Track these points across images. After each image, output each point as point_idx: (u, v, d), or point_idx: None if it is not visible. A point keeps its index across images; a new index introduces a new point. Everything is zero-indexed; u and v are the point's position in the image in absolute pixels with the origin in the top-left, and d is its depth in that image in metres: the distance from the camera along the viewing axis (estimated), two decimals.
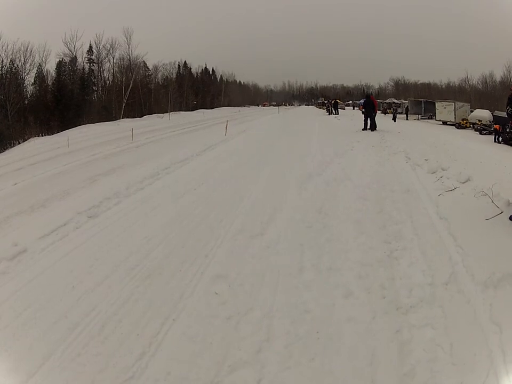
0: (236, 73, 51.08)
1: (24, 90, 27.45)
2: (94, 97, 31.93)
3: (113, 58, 32.62)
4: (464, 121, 20.31)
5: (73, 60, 30.42)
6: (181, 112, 33.97)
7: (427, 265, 2.79)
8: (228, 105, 44.58)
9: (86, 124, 25.12)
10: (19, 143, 21.50)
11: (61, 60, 29.64)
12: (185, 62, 42.14)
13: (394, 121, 19.27)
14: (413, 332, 2.14)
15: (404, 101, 33.75)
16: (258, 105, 51.80)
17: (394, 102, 34.39)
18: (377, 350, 2.05)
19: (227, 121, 14.38)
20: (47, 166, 9.74)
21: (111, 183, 6.22)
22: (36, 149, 15.31)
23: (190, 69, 43.19)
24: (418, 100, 29.56)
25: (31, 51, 27.70)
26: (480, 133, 17.33)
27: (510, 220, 3.24)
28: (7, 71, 26.35)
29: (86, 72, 31.50)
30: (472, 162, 5.90)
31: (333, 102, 25.37)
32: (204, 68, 46.25)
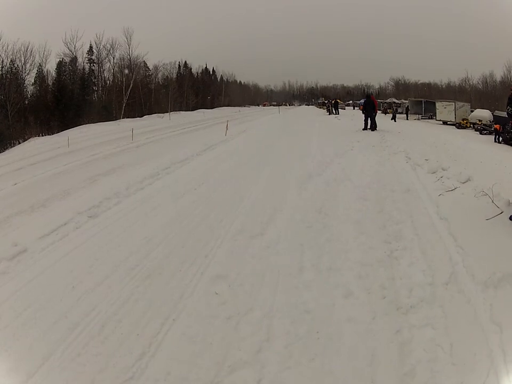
0: (236, 73, 51.00)
1: (25, 90, 27.44)
2: (94, 97, 31.93)
3: (113, 58, 32.62)
4: (465, 121, 20.29)
5: (74, 60, 30.42)
6: (181, 112, 33.95)
7: (427, 265, 2.79)
8: (228, 105, 44.52)
9: (86, 123, 25.12)
10: (19, 143, 21.52)
11: (61, 60, 29.64)
12: (185, 62, 42.09)
13: (395, 121, 19.25)
14: (413, 332, 2.14)
15: (404, 101, 33.72)
16: (258, 105, 51.71)
17: (394, 102, 34.35)
18: (377, 350, 2.04)
19: (227, 121, 14.37)
20: (47, 166, 9.76)
21: (111, 183, 6.22)
22: (36, 149, 15.31)
23: (191, 69, 43.15)
24: (419, 99, 29.53)
25: (31, 51, 27.70)
26: (481, 133, 17.31)
27: (510, 220, 3.23)
28: (7, 71, 26.34)
29: (86, 72, 31.49)
30: (472, 162, 5.90)
31: (333, 102, 25.30)
32: (204, 67, 46.21)
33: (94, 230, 4.01)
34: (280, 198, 4.63)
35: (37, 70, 28.49)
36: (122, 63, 32.35)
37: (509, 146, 12.55)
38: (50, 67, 29.36)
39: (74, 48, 30.29)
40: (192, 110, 36.69)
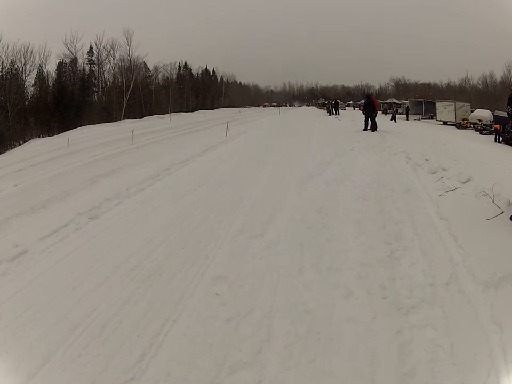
0: (236, 73, 51.15)
1: (25, 91, 27.55)
2: (95, 98, 32.02)
3: (113, 59, 32.73)
4: (465, 121, 20.31)
5: (74, 61, 30.52)
6: (181, 113, 34.03)
7: (428, 266, 2.78)
8: (228, 106, 44.60)
9: (87, 125, 25.19)
10: (20, 144, 21.59)
11: (61, 61, 29.76)
12: (185, 62, 42.22)
13: (395, 121, 19.25)
14: (413, 332, 2.14)
15: (404, 101, 33.75)
16: (258, 106, 51.77)
17: (394, 102, 34.39)
18: (377, 350, 2.04)
19: (227, 122, 14.39)
20: (47, 167, 9.79)
21: (111, 184, 6.23)
22: (37, 150, 15.36)
23: (191, 69, 43.26)
24: (419, 100, 29.56)
25: (31, 52, 27.82)
26: (481, 133, 17.32)
27: (511, 220, 3.23)
28: (7, 72, 26.43)
29: (87, 73, 31.59)
30: (472, 162, 5.90)
31: (333, 102, 25.32)
32: (204, 68, 46.34)
33: (95, 231, 4.02)
34: (280, 198, 4.63)
35: (37, 71, 28.64)
36: (122, 64, 32.43)
37: (509, 146, 12.56)
38: (51, 68, 29.51)
39: (75, 49, 30.43)
40: (192, 111, 36.77)
